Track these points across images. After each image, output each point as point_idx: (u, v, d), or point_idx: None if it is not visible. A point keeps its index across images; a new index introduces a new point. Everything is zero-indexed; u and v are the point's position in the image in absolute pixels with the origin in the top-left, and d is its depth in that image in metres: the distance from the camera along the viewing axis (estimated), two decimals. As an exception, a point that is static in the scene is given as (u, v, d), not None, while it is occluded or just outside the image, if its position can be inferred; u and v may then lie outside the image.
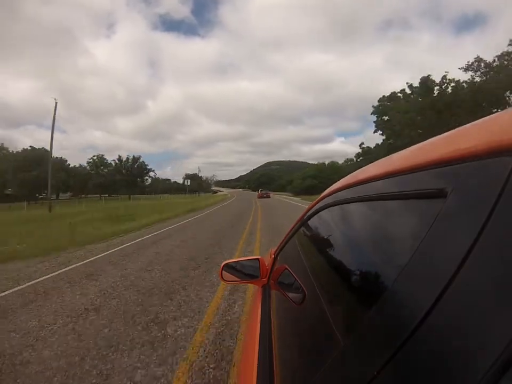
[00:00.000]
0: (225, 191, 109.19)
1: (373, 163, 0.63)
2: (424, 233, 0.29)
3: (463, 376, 0.19)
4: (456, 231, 0.26)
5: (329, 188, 0.85)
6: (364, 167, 0.67)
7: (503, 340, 0.17)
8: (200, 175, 79.85)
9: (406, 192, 0.38)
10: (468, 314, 0.21)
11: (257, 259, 1.16)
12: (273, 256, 1.26)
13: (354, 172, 0.71)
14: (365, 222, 0.56)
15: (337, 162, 56.87)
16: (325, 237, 0.83)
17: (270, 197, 36.31)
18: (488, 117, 0.32)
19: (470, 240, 0.23)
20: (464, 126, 0.35)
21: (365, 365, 0.30)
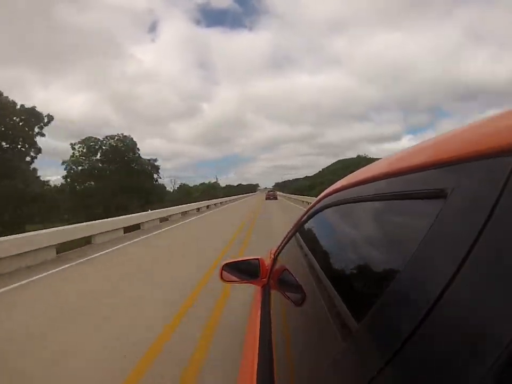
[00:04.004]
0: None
1: (372, 163, 0.63)
2: (424, 233, 0.29)
3: (463, 376, 0.19)
4: (456, 231, 0.26)
5: (329, 188, 0.85)
6: (363, 167, 0.67)
7: (503, 340, 0.17)
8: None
9: (406, 192, 0.38)
10: (468, 314, 0.21)
11: (257, 259, 1.16)
12: (273, 256, 1.26)
13: (354, 172, 0.71)
14: (365, 222, 0.56)
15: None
16: (325, 237, 0.83)
17: (277, 199, 34.37)
18: (488, 117, 0.32)
19: (470, 240, 0.23)
20: (465, 126, 0.35)
21: (365, 365, 0.30)
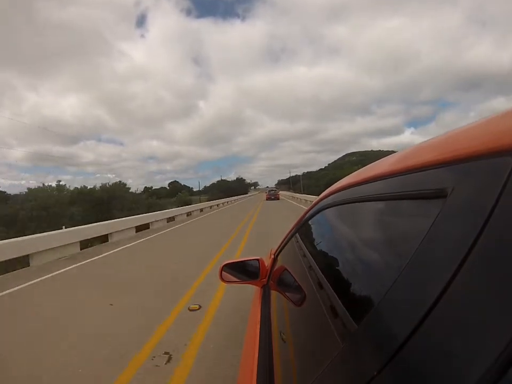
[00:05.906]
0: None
1: (372, 163, 0.63)
2: (424, 233, 0.29)
3: (463, 376, 0.19)
4: (456, 231, 0.26)
5: (329, 188, 0.85)
6: (363, 168, 0.67)
7: (503, 340, 0.17)
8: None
9: (406, 192, 0.38)
10: (468, 314, 0.21)
11: (257, 260, 1.16)
12: (273, 256, 1.26)
13: (354, 172, 0.71)
14: (365, 223, 0.56)
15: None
16: (325, 238, 0.83)
17: (278, 199, 30.92)
18: (488, 117, 0.32)
19: (470, 240, 0.23)
20: (464, 126, 0.35)
21: (365, 365, 0.30)
